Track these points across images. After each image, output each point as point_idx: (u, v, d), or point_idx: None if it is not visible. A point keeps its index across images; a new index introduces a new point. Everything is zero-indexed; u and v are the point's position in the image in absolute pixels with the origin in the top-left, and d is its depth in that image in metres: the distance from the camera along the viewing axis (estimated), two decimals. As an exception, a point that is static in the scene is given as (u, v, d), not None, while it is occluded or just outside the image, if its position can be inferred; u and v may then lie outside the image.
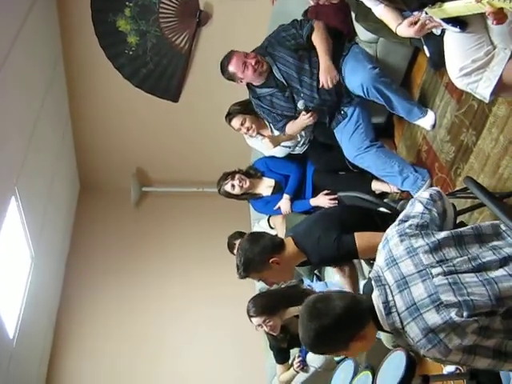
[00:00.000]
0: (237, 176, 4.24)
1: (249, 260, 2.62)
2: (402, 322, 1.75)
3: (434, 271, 1.76)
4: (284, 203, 4.24)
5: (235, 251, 4.19)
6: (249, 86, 3.92)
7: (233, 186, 4.24)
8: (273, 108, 3.90)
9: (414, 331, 1.72)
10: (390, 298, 1.79)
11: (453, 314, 1.67)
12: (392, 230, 1.96)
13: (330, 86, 3.63)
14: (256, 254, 2.61)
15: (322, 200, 4.10)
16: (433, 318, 1.69)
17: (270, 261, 2.60)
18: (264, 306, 3.57)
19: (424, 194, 2.08)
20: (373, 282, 1.85)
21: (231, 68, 3.77)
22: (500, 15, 1.83)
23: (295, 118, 3.90)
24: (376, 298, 1.81)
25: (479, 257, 1.78)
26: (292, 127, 3.96)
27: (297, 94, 3.80)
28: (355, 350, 1.90)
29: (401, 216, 2.01)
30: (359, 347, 1.87)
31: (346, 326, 1.82)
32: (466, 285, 1.71)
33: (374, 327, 1.84)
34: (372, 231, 2.58)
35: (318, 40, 3.66)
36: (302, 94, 3.77)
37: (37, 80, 4.94)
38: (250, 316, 3.63)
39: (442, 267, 1.76)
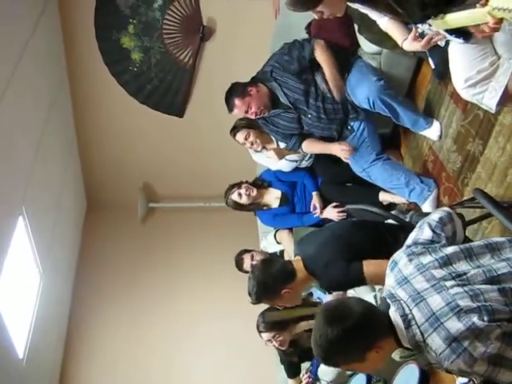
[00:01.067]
0: (244, 185, 4.23)
1: (261, 290, 2.61)
2: (422, 335, 1.71)
3: (448, 284, 1.74)
4: (316, 200, 4.19)
5: (244, 267, 4.23)
6: None
7: (240, 194, 4.21)
8: (278, 128, 3.93)
9: (436, 342, 1.68)
10: (407, 311, 1.76)
11: (475, 318, 1.63)
12: (400, 254, 1.94)
13: (340, 97, 3.67)
14: (268, 286, 2.60)
15: (331, 212, 4.08)
16: (455, 325, 1.65)
17: (282, 292, 2.59)
18: (274, 321, 3.56)
19: (434, 215, 2.06)
20: (387, 300, 1.83)
21: (234, 113, 3.88)
22: (498, 25, 1.83)
23: (307, 135, 3.93)
24: (393, 313, 1.78)
25: (493, 269, 1.76)
26: (312, 148, 4.00)
27: (304, 114, 3.82)
28: (371, 363, 1.83)
29: (408, 241, 1.99)
30: (375, 359, 1.81)
31: (366, 330, 1.78)
32: (482, 290, 1.69)
33: (392, 343, 1.80)
34: (382, 252, 2.56)
35: (323, 58, 3.68)
36: (310, 116, 3.79)
37: (42, 99, 4.97)
38: (259, 331, 3.61)
39: (455, 280, 1.74)
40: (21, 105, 4.39)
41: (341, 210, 4.04)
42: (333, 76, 3.66)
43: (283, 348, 3.66)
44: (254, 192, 4.22)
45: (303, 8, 2.22)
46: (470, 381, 2.83)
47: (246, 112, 3.80)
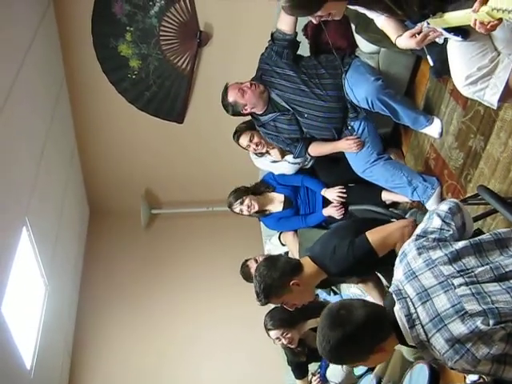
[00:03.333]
0: (246, 201, 4.14)
1: (269, 286, 2.57)
2: (426, 335, 1.72)
3: (456, 282, 1.74)
4: (330, 193, 4.14)
5: (252, 272, 4.20)
6: (253, 116, 3.95)
7: (241, 210, 4.19)
8: (279, 133, 3.91)
9: (439, 343, 1.69)
10: (412, 310, 1.76)
11: (478, 322, 1.64)
12: (410, 245, 1.93)
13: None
14: (275, 279, 2.56)
15: (334, 211, 4.07)
16: (458, 328, 1.66)
17: (291, 283, 2.55)
18: (282, 319, 3.55)
19: (442, 206, 2.06)
20: (393, 296, 1.82)
21: (231, 98, 3.80)
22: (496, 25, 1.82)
23: (309, 139, 3.92)
24: (398, 312, 1.78)
25: (502, 266, 1.76)
26: (320, 150, 3.98)
27: (300, 115, 3.81)
28: (373, 362, 1.88)
29: (418, 231, 1.98)
30: (378, 359, 1.85)
31: (368, 336, 1.79)
32: (489, 293, 1.69)
33: (394, 341, 1.81)
34: None
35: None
36: (306, 115, 3.79)
37: (42, 109, 4.97)
38: (267, 329, 3.60)
39: (463, 278, 1.74)
40: (22, 116, 4.38)
41: (342, 207, 4.04)
42: None
43: (292, 346, 3.65)
44: (256, 207, 4.15)
45: (303, 14, 2.16)
46: (479, 378, 2.83)
47: (241, 89, 3.76)
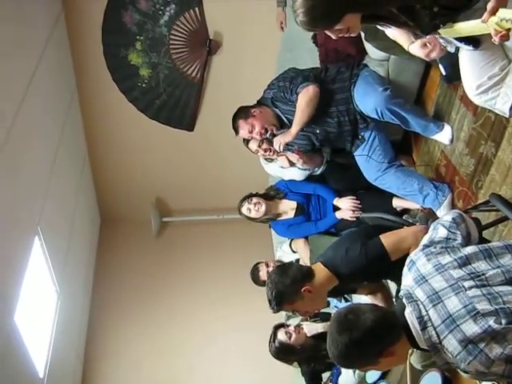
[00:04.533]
0: (254, 199, 4.20)
1: (281, 293, 2.56)
2: (438, 336, 1.72)
3: (467, 284, 1.74)
4: (343, 202, 4.15)
5: (261, 276, 4.22)
6: None
7: (249, 209, 4.21)
8: (290, 146, 3.96)
9: (452, 344, 1.69)
10: (423, 312, 1.76)
11: (491, 321, 1.64)
12: (417, 254, 1.94)
13: (278, 149, 3.86)
14: (287, 286, 2.55)
15: (348, 213, 4.09)
16: (471, 328, 1.66)
17: (302, 290, 2.54)
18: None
19: (446, 217, 2.06)
20: (404, 300, 1.83)
21: (241, 135, 3.98)
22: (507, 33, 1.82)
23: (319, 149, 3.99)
24: (409, 315, 1.78)
25: None
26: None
27: (312, 132, 3.85)
28: (385, 366, 1.88)
29: (424, 241, 1.99)
30: (388, 363, 1.85)
31: (376, 340, 1.79)
32: (500, 293, 1.69)
33: (406, 344, 1.81)
34: None
35: (298, 107, 3.73)
36: (318, 130, 3.82)
37: (53, 119, 5.00)
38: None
39: (473, 280, 1.75)
40: (34, 126, 4.41)
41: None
42: (293, 127, 3.75)
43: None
44: (263, 207, 4.17)
45: (322, 26, 2.12)
46: (493, 385, 2.82)
47: (251, 132, 3.87)
